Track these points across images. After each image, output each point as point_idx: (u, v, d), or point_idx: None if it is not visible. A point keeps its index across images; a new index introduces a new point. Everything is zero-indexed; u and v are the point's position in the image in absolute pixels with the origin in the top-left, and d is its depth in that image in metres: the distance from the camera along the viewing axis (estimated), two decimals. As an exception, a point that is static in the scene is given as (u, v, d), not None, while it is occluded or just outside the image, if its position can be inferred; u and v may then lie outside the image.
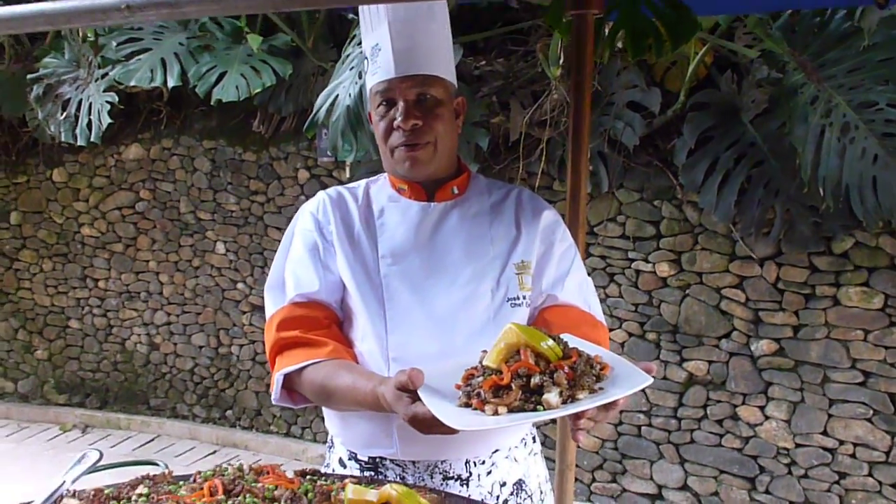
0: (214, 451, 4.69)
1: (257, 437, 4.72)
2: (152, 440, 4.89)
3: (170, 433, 4.93)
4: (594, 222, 3.53)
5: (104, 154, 4.97)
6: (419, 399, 1.13)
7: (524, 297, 1.49)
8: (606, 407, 1.10)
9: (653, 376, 1.13)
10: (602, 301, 3.54)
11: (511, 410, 1.08)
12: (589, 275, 3.44)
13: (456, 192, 1.54)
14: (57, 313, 5.27)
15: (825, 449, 3.15)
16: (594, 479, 3.70)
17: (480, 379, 1.15)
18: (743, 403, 3.30)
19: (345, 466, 1.55)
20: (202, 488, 1.15)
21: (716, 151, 3.16)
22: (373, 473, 1.49)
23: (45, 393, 5.36)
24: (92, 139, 3.93)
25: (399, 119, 1.42)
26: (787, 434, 3.22)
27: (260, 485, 1.16)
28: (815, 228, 3.00)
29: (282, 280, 1.53)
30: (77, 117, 3.99)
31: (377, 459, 1.49)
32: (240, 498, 1.10)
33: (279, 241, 1.58)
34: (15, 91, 4.45)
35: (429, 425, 1.11)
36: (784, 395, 3.21)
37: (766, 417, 3.26)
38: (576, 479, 3.70)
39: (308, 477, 1.29)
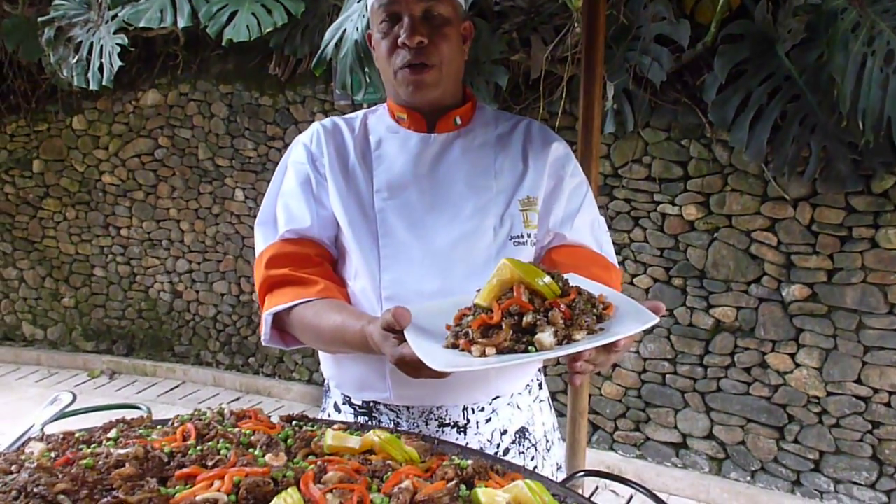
0: (238, 398, 4.72)
1: (280, 384, 4.74)
2: (177, 386, 4.94)
3: (195, 380, 4.98)
4: (618, 164, 3.38)
5: (122, 100, 4.92)
6: (406, 340, 1.04)
7: (529, 236, 1.38)
8: (607, 349, 1.00)
9: (661, 316, 1.02)
10: (626, 246, 3.41)
11: (500, 351, 0.99)
12: (613, 218, 3.34)
13: (459, 122, 1.43)
14: (82, 261, 5.30)
15: (858, 398, 3.02)
16: (617, 428, 3.62)
17: (471, 318, 1.05)
18: (772, 351, 3.18)
19: (339, 411, 1.48)
20: (175, 432, 1.08)
21: (748, 86, 2.96)
22: (367, 418, 1.43)
23: (74, 340, 5.44)
24: (104, 83, 3.85)
25: (404, 36, 1.30)
26: (819, 382, 3.09)
27: (237, 430, 1.10)
28: (853, 166, 2.82)
29: (273, 215, 1.44)
30: (89, 61, 3.91)
31: (371, 404, 1.42)
32: (212, 443, 1.03)
33: None
34: (30, 35, 4.38)
35: (416, 367, 1.03)
36: (816, 342, 3.07)
37: (797, 365, 3.13)
38: (597, 428, 3.64)
39: (294, 423, 1.22)
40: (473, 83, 3.26)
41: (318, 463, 0.98)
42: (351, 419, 1.45)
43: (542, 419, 1.51)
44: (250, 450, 1.04)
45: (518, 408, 1.45)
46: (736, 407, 3.29)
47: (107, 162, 5.06)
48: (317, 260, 1.40)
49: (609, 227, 3.25)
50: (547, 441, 1.51)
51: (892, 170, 2.79)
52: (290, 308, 1.34)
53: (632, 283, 3.44)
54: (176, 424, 1.14)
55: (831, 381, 3.06)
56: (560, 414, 3.06)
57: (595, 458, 3.58)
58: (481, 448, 1.39)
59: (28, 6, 4.74)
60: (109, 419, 1.20)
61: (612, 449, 3.65)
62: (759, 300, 3.17)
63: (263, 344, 1.43)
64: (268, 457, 0.99)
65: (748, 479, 3.32)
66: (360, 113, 1.52)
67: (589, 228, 1.45)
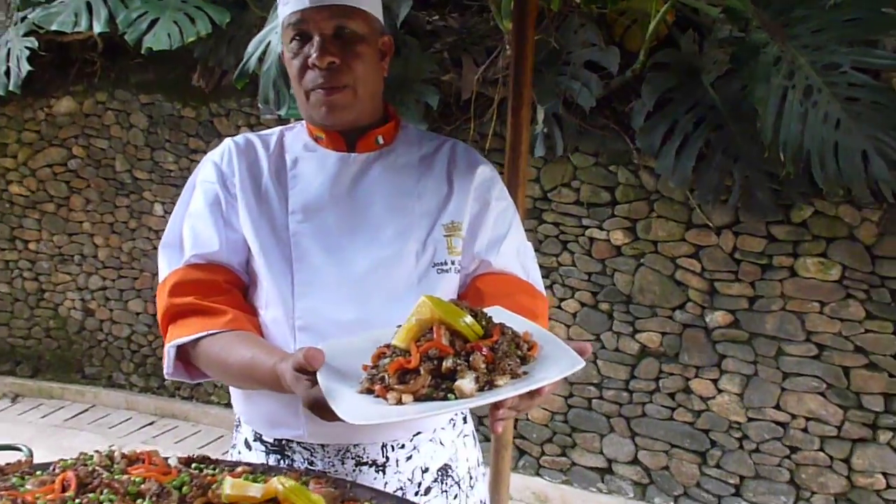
0: (152, 423, 4.48)
1: (197, 407, 4.52)
2: (86, 410, 4.66)
3: (105, 403, 4.71)
4: (548, 187, 3.37)
5: (33, 107, 4.65)
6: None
7: (453, 263, 1.32)
8: (531, 394, 0.94)
9: (586, 359, 0.97)
10: (554, 270, 3.40)
11: (419, 398, 0.92)
12: (541, 242, 3.33)
13: (381, 142, 1.36)
14: (-16, 277, 4.96)
15: (777, 423, 3.08)
16: (543, 453, 3.59)
17: (388, 361, 0.98)
18: (696, 376, 3.21)
19: (250, 448, 1.38)
20: (54, 481, 0.97)
21: (675, 114, 3.01)
22: (279, 457, 1.33)
23: (-27, 360, 5.07)
24: (11, 88, 3.63)
25: (314, 56, 1.23)
26: (740, 408, 3.14)
27: (125, 477, 0.99)
28: (773, 196, 2.88)
29: (178, 238, 1.34)
30: (-5, 64, 3.68)
31: (283, 442, 1.32)
32: (94, 494, 0.92)
33: None
34: (-69, 35, 4.09)
35: (329, 411, 0.95)
36: (737, 368, 3.12)
37: (719, 391, 3.17)
38: (524, 453, 3.60)
39: (193, 465, 1.11)
40: (403, 102, 3.20)
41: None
42: (262, 458, 1.35)
43: (467, 454, 1.45)
44: (138, 501, 0.93)
45: (441, 444, 1.38)
46: (660, 432, 3.31)
47: (15, 171, 4.75)
48: (225, 287, 1.31)
49: (537, 250, 3.24)
50: (471, 478, 1.44)
51: (811, 200, 2.87)
52: (196, 340, 1.24)
53: (559, 307, 3.43)
54: (57, 471, 1.02)
55: (752, 406, 3.11)
56: (485, 438, 3.02)
57: (521, 483, 3.54)
58: (401, 488, 1.31)
59: (-69, 4, 4.44)
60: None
61: (538, 474, 3.61)
62: (684, 326, 3.20)
63: (166, 377, 1.32)
64: (155, 512, 0.89)
65: (671, 503, 3.33)
66: (277, 130, 1.43)
67: (515, 254, 1.40)
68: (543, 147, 3.24)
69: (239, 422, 1.43)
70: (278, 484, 0.96)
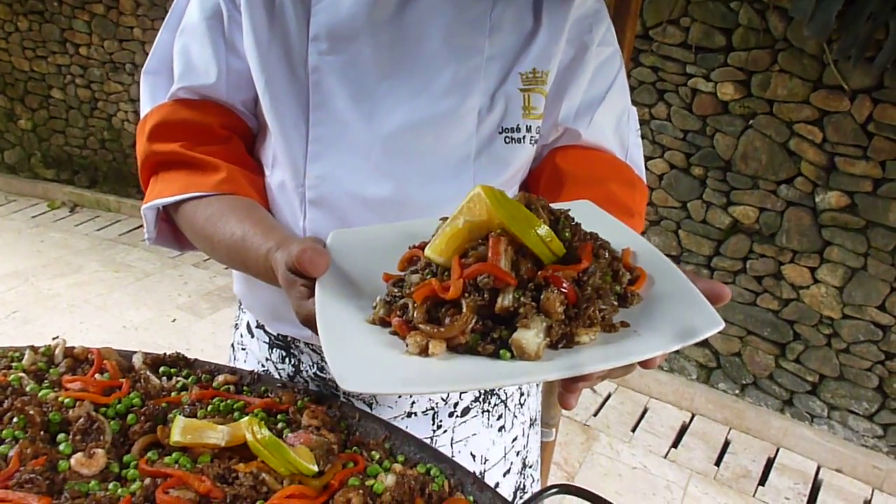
0: (204, 245, 4.39)
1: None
2: (141, 226, 4.57)
3: (160, 221, 4.62)
4: (649, 23, 2.83)
5: None
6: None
7: (529, 129, 0.95)
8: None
9: (721, 317, 0.61)
10: (645, 122, 2.94)
11: (453, 349, 0.60)
12: (634, 89, 2.82)
13: (446, -56, 0.94)
14: (37, 80, 4.77)
15: (877, 324, 2.70)
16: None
17: (417, 278, 0.66)
18: (791, 262, 2.81)
19: (252, 335, 1.12)
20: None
21: (825, -59, 2.38)
22: (283, 353, 1.07)
23: (33, 166, 5.03)
24: None
25: None
26: (836, 302, 2.75)
27: (53, 395, 0.73)
28: (936, 57, 2.31)
29: (167, 61, 1.00)
30: None
31: (288, 339, 1.05)
32: (-2, 425, 0.67)
33: None
34: None
35: None
36: (843, 259, 2.70)
37: (816, 280, 2.78)
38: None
39: (161, 369, 0.85)
40: None
41: (149, 480, 0.62)
42: (264, 350, 1.09)
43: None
44: (59, 437, 0.67)
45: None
46: (738, 316, 2.98)
47: (61, -35, 4.39)
48: (222, 133, 0.98)
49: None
50: (521, 394, 1.16)
51: (984, 67, 2.29)
52: (179, 202, 0.94)
53: (645, 167, 3.00)
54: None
55: (851, 303, 2.72)
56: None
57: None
58: (432, 408, 1.04)
59: None
60: None
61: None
62: (788, 203, 2.76)
63: (147, 243, 1.03)
64: (74, 459, 0.63)
65: (737, 392, 3.08)
66: (309, -85, 1.03)
67: (614, 125, 1.02)
68: (651, -27, 2.66)
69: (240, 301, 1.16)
70: (248, 431, 0.68)
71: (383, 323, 0.65)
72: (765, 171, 2.76)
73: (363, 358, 0.59)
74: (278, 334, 1.06)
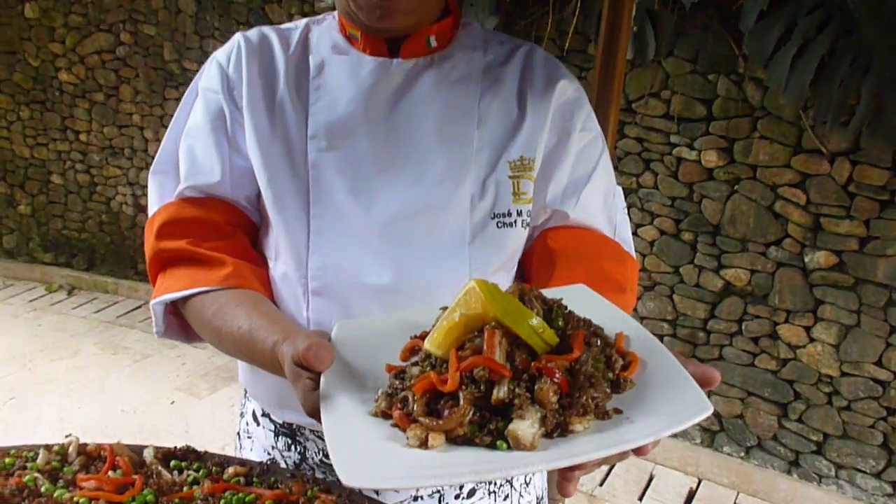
0: (202, 324, 4.39)
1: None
2: (139, 307, 4.61)
3: (157, 301, 4.64)
4: (633, 96, 2.94)
5: (79, -12, 4.37)
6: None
7: (520, 213, 1.00)
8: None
9: (709, 398, 0.64)
10: (633, 191, 3.01)
11: (452, 441, 0.63)
12: (621, 159, 2.91)
13: (433, 44, 1.01)
14: (38, 166, 4.87)
15: (876, 380, 2.72)
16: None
17: (417, 370, 0.69)
18: (786, 321, 2.84)
19: (258, 424, 1.14)
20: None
21: (793, 15, 2.51)
22: (289, 441, 1.08)
23: (31, 250, 5.07)
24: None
25: None
26: (833, 360, 2.77)
27: (68, 496, 0.75)
28: (909, 120, 2.40)
29: (173, 161, 1.05)
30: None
31: (294, 426, 1.07)
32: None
33: None
34: None
35: None
36: (836, 316, 2.73)
37: (812, 339, 2.81)
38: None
39: (172, 463, 0.86)
40: (471, -9, 2.78)
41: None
42: (270, 438, 1.11)
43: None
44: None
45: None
46: (738, 378, 2.99)
47: (63, 58, 4.54)
48: (227, 229, 1.02)
49: (616, 169, 2.85)
50: (525, 482, 1.17)
51: (955, 128, 2.38)
52: (187, 297, 0.98)
53: (635, 234, 3.06)
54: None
55: (848, 360, 2.74)
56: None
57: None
58: (438, 491, 1.05)
59: None
60: None
61: (597, 409, 3.36)
62: (778, 264, 2.81)
63: (157, 336, 1.06)
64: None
65: (742, 454, 3.06)
66: (302, 23, 1.10)
67: (601, 204, 1.06)
68: (632, 49, 2.78)
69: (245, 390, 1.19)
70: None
71: (385, 415, 0.67)
72: (753, 233, 2.82)
73: (365, 454, 0.61)
74: (283, 422, 1.08)
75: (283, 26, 1.10)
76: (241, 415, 1.20)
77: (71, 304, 4.66)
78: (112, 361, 3.89)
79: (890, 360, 2.66)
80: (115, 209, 4.72)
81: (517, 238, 1.01)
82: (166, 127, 4.08)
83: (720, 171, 2.83)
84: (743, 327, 2.93)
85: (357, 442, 0.63)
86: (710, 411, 0.61)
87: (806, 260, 2.74)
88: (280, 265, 1.00)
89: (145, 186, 4.46)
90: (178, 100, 4.17)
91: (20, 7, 4.54)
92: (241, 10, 3.94)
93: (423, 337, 0.74)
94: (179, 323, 1.06)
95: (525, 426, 0.60)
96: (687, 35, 2.76)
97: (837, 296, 2.71)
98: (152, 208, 1.05)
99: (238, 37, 1.08)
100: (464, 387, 0.63)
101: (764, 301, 2.86)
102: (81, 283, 4.88)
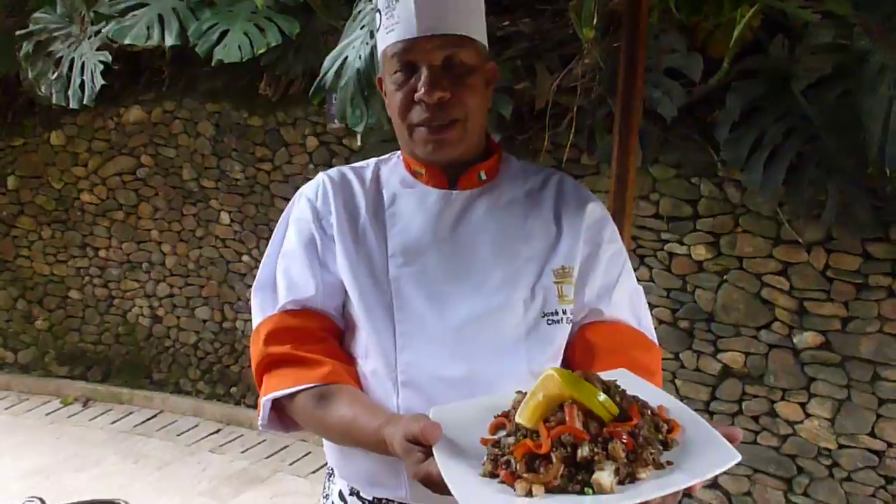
0: (219, 430, 4.50)
1: (263, 415, 4.53)
2: (155, 416, 4.72)
3: (173, 409, 4.76)
4: (625, 200, 3.24)
5: (104, 116, 4.72)
6: (433, 455, 0.89)
7: (564, 312, 1.23)
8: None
9: (736, 447, 0.87)
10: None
11: (550, 490, 0.83)
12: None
13: (484, 177, 1.28)
14: (57, 283, 5.07)
15: (872, 451, 2.90)
16: (617, 473, 3.47)
17: (512, 440, 0.90)
18: (782, 399, 3.05)
19: (345, 502, 1.32)
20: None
21: (763, 125, 2.85)
22: (378, 515, 1.26)
23: (46, 364, 5.20)
24: (85, 101, 3.67)
25: (422, 91, 1.14)
26: (830, 434, 2.97)
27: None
28: (873, 213, 2.70)
29: (272, 280, 1.28)
30: (69, 77, 3.72)
31: (384, 501, 1.26)
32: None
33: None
34: (7, 47, 4.18)
35: (445, 488, 0.87)
36: (828, 392, 2.95)
37: (808, 415, 3.01)
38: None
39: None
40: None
41: None
42: (360, 512, 1.29)
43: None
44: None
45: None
46: (743, 456, 3.12)
47: (85, 180, 4.84)
48: (321, 335, 1.24)
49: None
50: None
51: (914, 218, 2.68)
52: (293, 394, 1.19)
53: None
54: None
55: (843, 433, 2.94)
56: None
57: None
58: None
59: (7, 15, 4.54)
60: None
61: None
62: (770, 346, 3.04)
63: (260, 429, 1.27)
64: None
65: (754, 531, 3.18)
66: (371, 162, 1.37)
67: (628, 301, 1.30)
68: (621, 159, 3.10)
69: (332, 471, 1.37)
70: None
71: (492, 475, 0.88)
72: (744, 319, 3.07)
73: (484, 496, 0.83)
74: (373, 497, 1.26)
75: (356, 165, 1.36)
76: (326, 496, 1.38)
77: (87, 416, 4.75)
78: (134, 470, 3.98)
79: (883, 430, 2.86)
80: (132, 321, 4.91)
81: (563, 333, 1.24)
82: (184, 241, 4.36)
83: (710, 264, 3.11)
84: (743, 407, 3.13)
85: (475, 488, 0.83)
86: (739, 458, 0.83)
87: (795, 341, 2.98)
88: (370, 363, 1.22)
89: (162, 298, 4.68)
90: (195, 215, 4.48)
91: (46, 135, 4.87)
92: (257, 133, 4.28)
93: (504, 416, 0.97)
94: (277, 415, 1.26)
95: (605, 476, 0.82)
96: (670, 145, 3.10)
97: (827, 373, 2.93)
98: (256, 319, 1.28)
99: (322, 176, 1.33)
100: (554, 449, 0.85)
101: (760, 381, 3.08)
102: (96, 395, 4.98)
